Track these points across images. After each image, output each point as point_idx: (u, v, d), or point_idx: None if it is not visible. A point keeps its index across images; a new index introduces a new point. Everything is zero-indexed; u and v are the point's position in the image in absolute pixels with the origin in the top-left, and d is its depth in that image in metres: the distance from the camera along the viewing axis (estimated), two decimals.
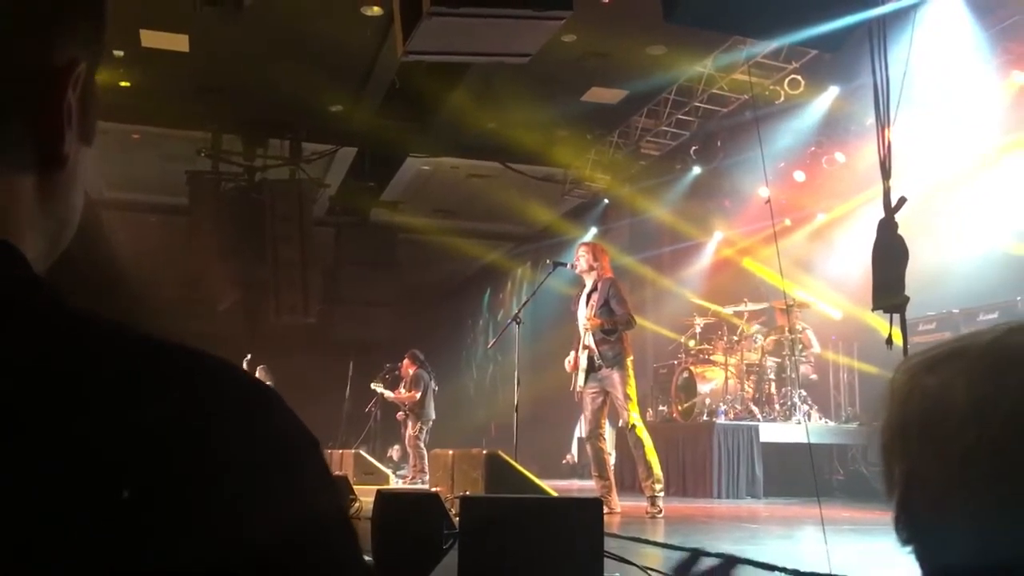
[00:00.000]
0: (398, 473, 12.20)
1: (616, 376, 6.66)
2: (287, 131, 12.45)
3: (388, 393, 12.28)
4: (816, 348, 10.27)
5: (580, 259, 7.03)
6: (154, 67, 10.33)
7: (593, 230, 14.45)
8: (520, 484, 4.84)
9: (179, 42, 9.92)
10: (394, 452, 13.94)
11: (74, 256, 0.67)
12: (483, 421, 15.97)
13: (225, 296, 13.04)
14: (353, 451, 10.87)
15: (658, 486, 6.59)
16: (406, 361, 12.20)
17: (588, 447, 6.91)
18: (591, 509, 3.04)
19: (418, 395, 11.86)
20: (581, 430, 15.05)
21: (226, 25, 9.11)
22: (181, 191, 13.08)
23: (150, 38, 9.84)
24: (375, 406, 13.09)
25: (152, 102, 11.24)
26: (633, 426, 6.59)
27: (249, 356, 13.45)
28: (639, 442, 6.60)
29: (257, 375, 13.49)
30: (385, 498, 3.13)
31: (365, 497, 5.58)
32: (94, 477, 0.45)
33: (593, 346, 6.70)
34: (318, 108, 11.47)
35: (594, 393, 6.79)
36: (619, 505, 6.79)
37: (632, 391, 6.68)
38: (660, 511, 6.54)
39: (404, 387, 12.04)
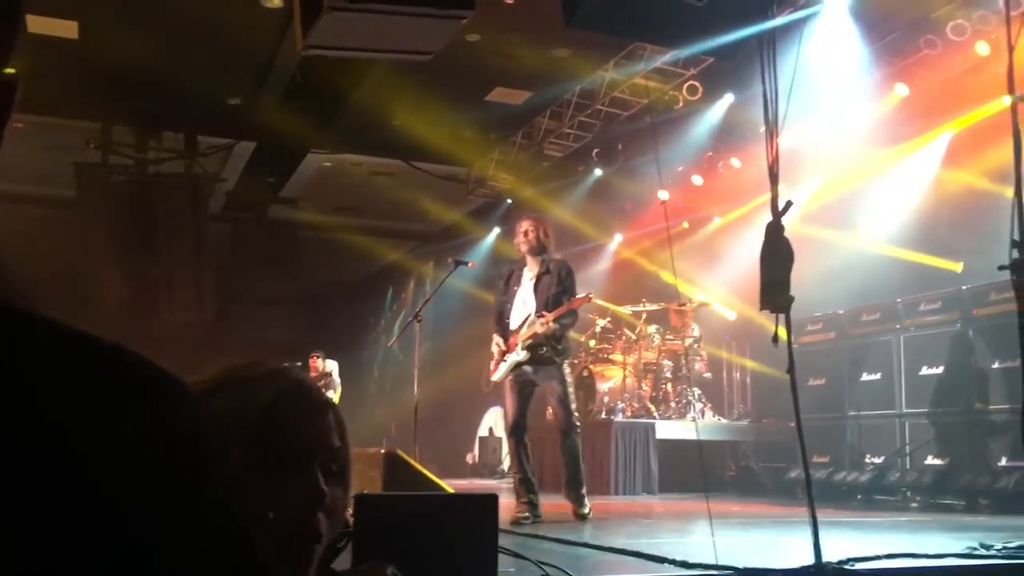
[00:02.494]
0: None
1: (561, 372, 6.04)
2: (182, 123, 12.09)
3: None
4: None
5: (527, 234, 6.18)
6: (41, 54, 9.89)
7: (496, 230, 14.51)
8: (418, 483, 4.83)
9: (68, 28, 9.53)
10: None
11: None
12: (384, 421, 15.85)
13: (114, 293, 12.58)
14: None
15: (583, 491, 6.09)
16: (312, 361, 12.02)
17: (509, 442, 6.21)
18: (485, 505, 3.05)
19: (333, 393, 11.73)
20: (485, 429, 15.12)
21: (118, 12, 8.81)
22: (68, 183, 12.57)
23: (37, 23, 9.42)
24: None
25: (38, 90, 10.74)
26: (574, 427, 6.03)
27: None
28: (575, 447, 6.03)
29: None
30: None
31: None
32: None
33: (543, 335, 5.97)
34: (215, 100, 11.18)
35: (522, 383, 6.12)
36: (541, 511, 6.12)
37: (572, 389, 6.14)
38: (590, 511, 6.06)
39: None
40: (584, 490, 6.08)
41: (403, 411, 13.47)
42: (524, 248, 6.22)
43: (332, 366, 12.16)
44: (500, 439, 14.66)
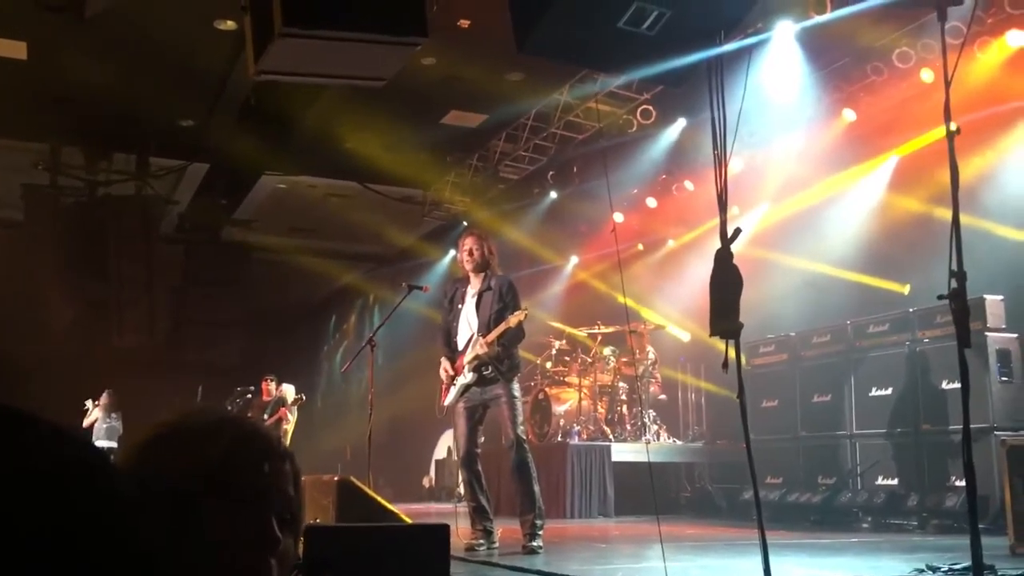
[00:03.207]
0: None
1: (508, 389, 5.90)
2: (133, 145, 11.92)
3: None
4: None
5: (472, 252, 6.07)
6: None
7: (451, 252, 14.49)
8: (372, 511, 4.78)
9: (16, 49, 9.38)
10: None
11: None
12: (338, 445, 15.69)
13: (63, 316, 12.35)
14: None
15: (539, 521, 5.86)
16: (265, 386, 11.85)
17: (462, 471, 6.11)
18: (437, 536, 3.03)
19: (292, 415, 11.57)
20: (441, 452, 15.03)
21: (69, 33, 8.68)
22: (15, 205, 12.33)
23: None
24: None
25: None
26: (521, 445, 5.88)
27: (110, 390, 12.73)
28: (525, 465, 5.87)
29: (102, 399, 12.85)
30: None
31: None
32: None
33: (484, 355, 5.87)
34: (167, 122, 11.06)
35: (471, 407, 6.02)
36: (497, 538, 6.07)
37: (521, 408, 6.01)
38: (541, 547, 5.78)
39: (267, 414, 11.69)
40: (538, 518, 5.88)
41: (358, 435, 13.33)
42: (468, 265, 6.13)
43: (288, 390, 12.01)
44: (456, 461, 14.58)
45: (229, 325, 15.01)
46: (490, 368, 5.93)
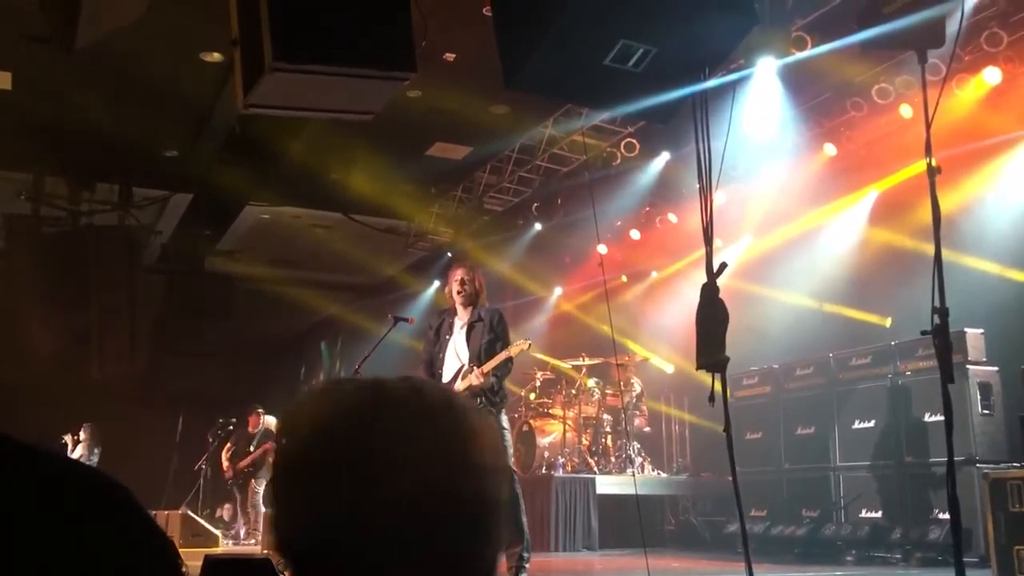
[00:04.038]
0: (228, 534, 11.69)
1: (498, 421, 5.85)
2: (117, 175, 11.90)
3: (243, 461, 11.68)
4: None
5: (463, 283, 6.09)
6: None
7: (436, 283, 14.50)
8: None
9: (2, 79, 9.38)
10: (225, 512, 13.36)
11: None
12: None
13: (44, 346, 12.23)
14: (180, 512, 10.34)
15: (526, 554, 5.76)
16: (252, 418, 11.76)
17: None
18: None
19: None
20: None
21: (54, 63, 8.69)
22: None
23: None
24: (205, 463, 12.53)
25: None
26: (511, 476, 5.64)
27: (89, 424, 12.65)
28: (513, 497, 5.74)
29: (82, 433, 12.74)
30: (213, 564, 3.01)
31: (192, 561, 5.32)
32: None
33: (477, 385, 5.85)
34: (151, 152, 11.05)
35: None
36: None
37: (510, 440, 5.94)
38: None
39: (253, 446, 11.60)
40: (525, 551, 5.80)
41: None
42: (460, 298, 6.11)
43: (271, 422, 11.94)
44: None
45: (211, 355, 14.91)
46: (482, 399, 5.87)
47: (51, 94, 9.49)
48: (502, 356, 5.90)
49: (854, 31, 7.29)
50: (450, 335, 6.15)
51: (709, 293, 3.71)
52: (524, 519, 5.94)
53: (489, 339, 5.98)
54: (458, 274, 6.18)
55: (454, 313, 6.21)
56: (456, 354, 6.09)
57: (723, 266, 3.81)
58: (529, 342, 6.11)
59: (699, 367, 3.69)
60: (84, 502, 0.59)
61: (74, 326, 12.22)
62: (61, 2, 4.24)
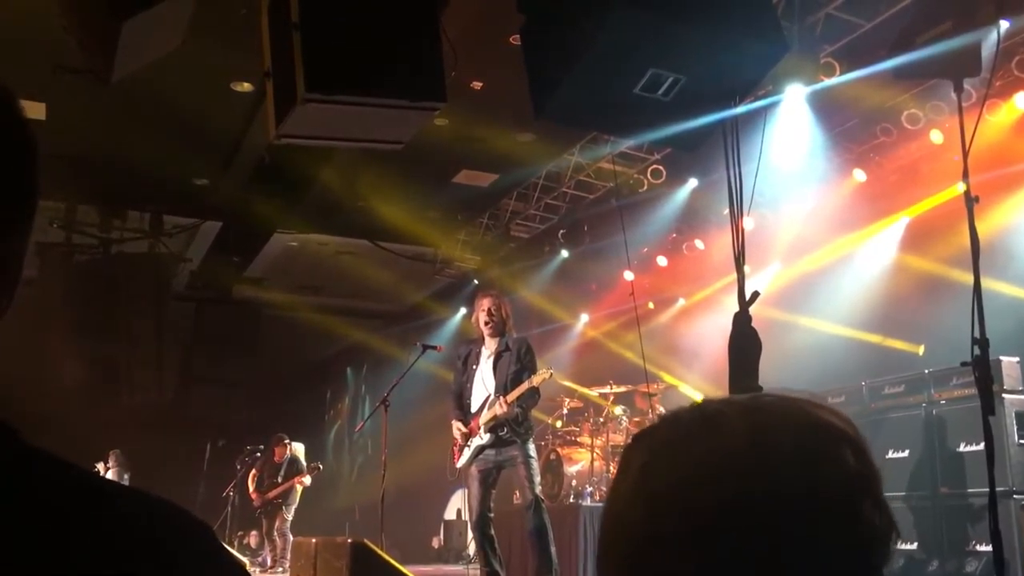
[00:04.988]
0: (255, 561, 11.67)
1: (524, 450, 5.86)
2: (147, 203, 12.06)
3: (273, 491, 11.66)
4: None
5: (490, 313, 6.09)
6: None
7: (463, 310, 14.51)
8: (386, 574, 4.71)
9: (36, 110, 9.54)
10: (251, 539, 13.36)
11: None
12: (347, 505, 15.54)
13: (73, 374, 12.35)
14: None
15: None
16: (279, 448, 11.78)
17: (475, 535, 6.00)
18: None
19: (307, 479, 11.48)
20: (451, 512, 14.86)
21: (87, 93, 8.84)
22: (29, 263, 12.34)
23: None
24: (233, 491, 12.56)
25: None
26: (540, 505, 5.82)
27: (117, 451, 12.76)
28: (543, 526, 5.80)
29: (111, 460, 12.84)
30: None
31: None
32: None
33: (502, 415, 5.85)
34: (182, 181, 11.20)
35: (485, 471, 5.96)
36: None
37: (538, 468, 5.96)
38: None
39: (281, 475, 11.60)
40: (553, 567, 5.80)
41: (367, 495, 13.25)
42: (488, 328, 6.10)
43: (298, 449, 11.96)
44: (466, 523, 14.41)
45: (238, 383, 15.00)
46: (507, 429, 5.89)
47: (84, 124, 9.64)
48: (524, 386, 5.88)
49: (883, 58, 7.28)
50: (477, 365, 6.17)
51: (741, 322, 3.68)
52: (553, 549, 5.93)
53: (516, 369, 5.98)
54: (485, 304, 6.19)
55: (481, 343, 6.21)
56: (483, 384, 6.08)
57: (755, 295, 3.78)
58: (551, 372, 6.09)
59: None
60: (178, 540, 0.65)
61: (103, 354, 12.34)
62: (99, 35, 4.30)
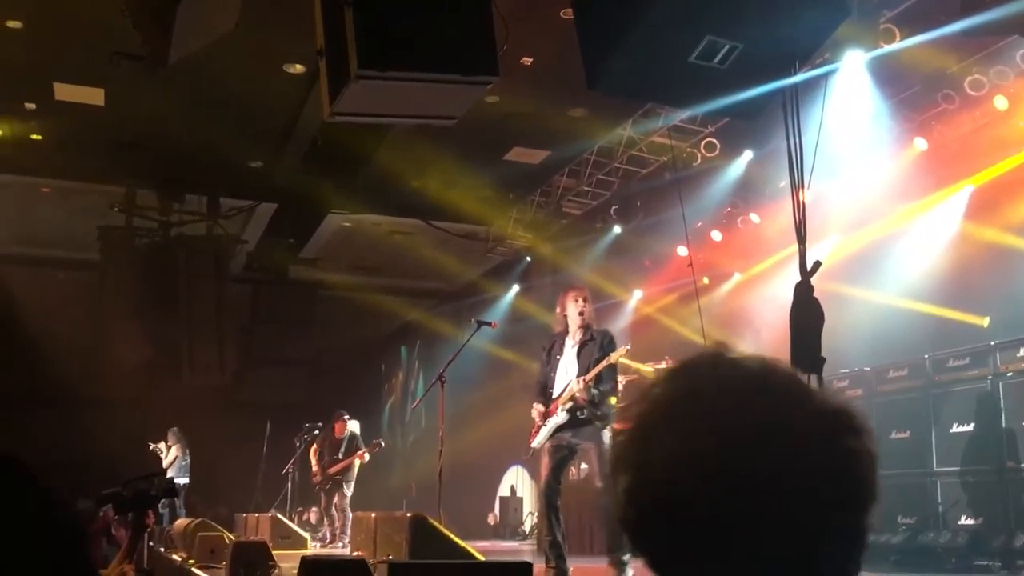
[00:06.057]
0: (316, 536, 11.88)
1: (600, 441, 6.00)
2: (204, 186, 12.25)
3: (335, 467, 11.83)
4: None
5: (582, 303, 6.26)
6: (68, 120, 10.10)
7: (515, 288, 14.52)
8: (446, 548, 4.75)
9: (94, 96, 9.73)
10: (312, 515, 13.58)
11: None
12: (403, 482, 15.71)
13: (136, 355, 12.64)
14: (270, 515, 10.54)
15: (627, 557, 5.81)
16: (339, 424, 11.93)
17: (542, 506, 6.16)
18: (519, 573, 3.01)
19: (367, 456, 11.64)
20: (505, 489, 14.95)
21: (143, 78, 8.99)
22: (91, 246, 12.72)
23: (64, 91, 9.63)
24: (293, 467, 12.77)
25: (64, 156, 10.96)
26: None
27: (176, 428, 13.07)
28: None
29: (169, 438, 13.13)
30: (310, 565, 3.04)
31: (285, 563, 5.41)
32: None
33: (580, 397, 6.01)
34: (237, 163, 11.34)
35: (560, 447, 6.13)
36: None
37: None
38: None
39: (342, 451, 11.77)
40: (626, 555, 5.85)
41: (423, 472, 13.36)
42: (579, 319, 6.23)
43: (354, 426, 12.11)
44: (521, 499, 14.49)
45: (295, 363, 15.22)
46: (584, 411, 6.02)
47: (141, 109, 9.81)
48: (603, 364, 6.02)
49: (945, 22, 7.06)
50: (561, 354, 6.30)
51: (803, 292, 3.61)
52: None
53: (599, 356, 6.11)
54: (575, 298, 6.33)
55: (565, 334, 6.36)
56: (566, 371, 6.22)
57: (817, 264, 3.71)
58: (628, 348, 6.24)
59: (794, 368, 3.59)
60: None
61: (165, 336, 12.60)
62: (155, 17, 4.36)
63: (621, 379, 10.81)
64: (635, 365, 10.92)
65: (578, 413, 6.04)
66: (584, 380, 5.98)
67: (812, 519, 0.86)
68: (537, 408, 6.28)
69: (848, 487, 0.91)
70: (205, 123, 9.93)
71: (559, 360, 6.27)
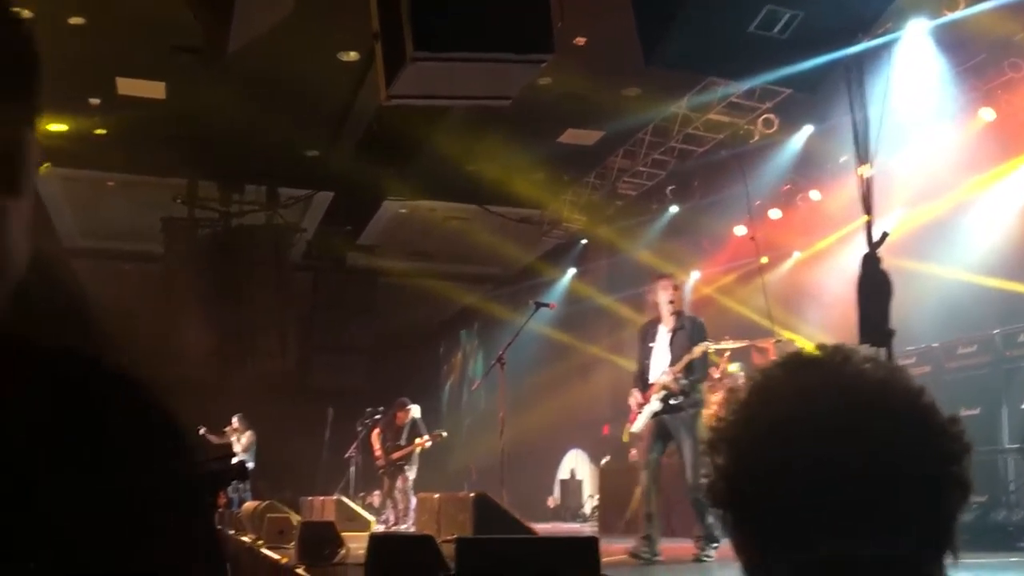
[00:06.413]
0: (380, 519, 12.03)
1: (694, 432, 6.27)
2: (264, 176, 12.44)
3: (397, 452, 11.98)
4: None
5: (671, 292, 6.53)
6: (130, 114, 10.32)
7: (571, 271, 14.49)
8: (509, 527, 4.78)
9: (156, 89, 9.92)
10: (374, 498, 13.76)
11: (36, 305, 0.74)
12: (463, 465, 15.82)
13: (201, 343, 12.91)
14: (335, 498, 10.71)
15: (714, 534, 6.13)
16: (401, 412, 12.05)
17: (644, 478, 6.46)
18: (586, 548, 3.00)
19: (428, 443, 11.75)
20: (565, 472, 14.97)
21: (203, 72, 9.14)
22: (155, 238, 13.01)
23: (126, 85, 9.84)
24: (355, 452, 12.95)
25: (128, 149, 11.21)
26: (698, 482, 6.21)
27: (240, 414, 13.34)
28: (699, 502, 6.23)
29: (234, 423, 13.39)
30: (379, 541, 3.09)
31: (351, 544, 5.49)
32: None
33: (672, 387, 6.29)
34: (295, 153, 11.48)
35: (657, 429, 6.41)
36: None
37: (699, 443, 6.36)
38: (711, 556, 6.15)
39: (404, 437, 11.89)
40: (711, 530, 6.11)
41: (483, 454, 13.46)
42: (669, 307, 6.47)
43: (415, 412, 12.21)
44: (580, 482, 14.49)
45: (355, 349, 15.41)
46: (675, 399, 6.31)
47: (200, 101, 9.97)
48: (686, 359, 6.28)
49: None
50: (655, 342, 6.56)
51: (871, 264, 3.54)
52: (711, 519, 6.22)
53: (689, 345, 6.35)
54: (667, 287, 6.57)
55: (658, 322, 6.59)
56: (660, 359, 6.48)
57: (884, 235, 3.63)
58: (707, 344, 6.48)
59: (862, 342, 3.53)
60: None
61: (228, 324, 12.85)
62: (214, 6, 4.42)
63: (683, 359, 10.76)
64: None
65: (671, 401, 6.31)
66: (672, 372, 6.27)
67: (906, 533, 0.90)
68: (634, 395, 6.56)
69: (943, 517, 0.93)
70: (262, 114, 10.07)
71: (653, 348, 6.53)
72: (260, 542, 6.78)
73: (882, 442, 0.88)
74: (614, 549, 6.57)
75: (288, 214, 13.09)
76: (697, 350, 6.30)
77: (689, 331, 6.40)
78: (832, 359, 0.94)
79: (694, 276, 12.75)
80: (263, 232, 12.79)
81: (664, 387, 6.30)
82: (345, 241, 14.16)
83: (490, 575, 2.70)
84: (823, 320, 9.83)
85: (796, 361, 0.96)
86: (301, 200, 12.96)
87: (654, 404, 6.36)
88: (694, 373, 6.32)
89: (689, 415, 6.27)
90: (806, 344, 10.52)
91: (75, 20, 8.48)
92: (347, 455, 12.94)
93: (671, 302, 6.45)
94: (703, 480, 6.04)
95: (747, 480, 0.90)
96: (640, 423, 6.49)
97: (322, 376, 15.34)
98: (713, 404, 10.17)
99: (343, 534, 5.60)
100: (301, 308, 14.57)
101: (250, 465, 12.78)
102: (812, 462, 0.87)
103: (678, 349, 6.36)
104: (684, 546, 6.44)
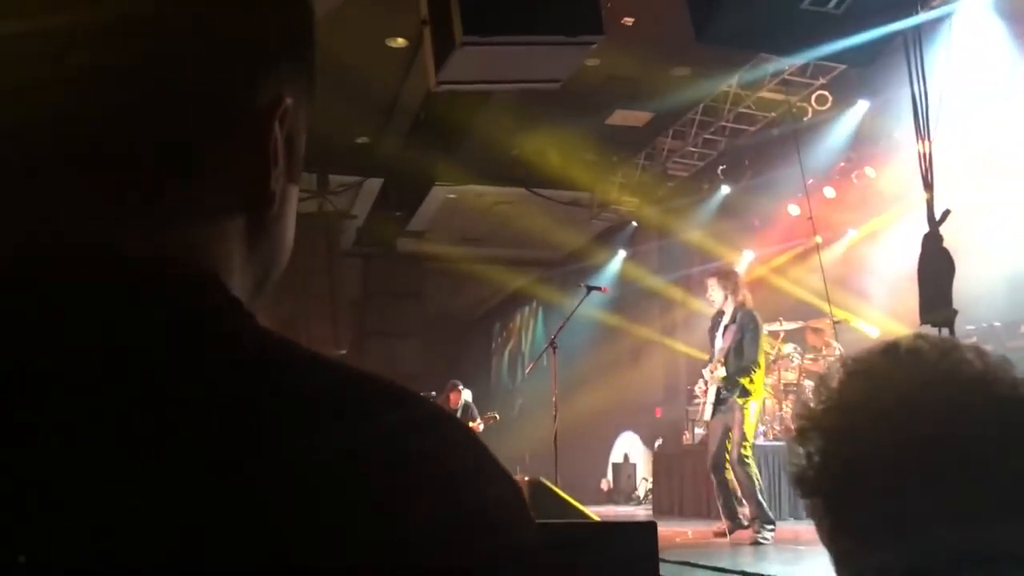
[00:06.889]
0: None
1: (738, 410, 6.69)
2: (314, 164, 12.53)
3: None
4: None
5: (727, 284, 7.00)
6: None
7: (622, 253, 14.41)
8: (565, 511, 4.78)
9: None
10: None
11: None
12: (516, 449, 15.87)
13: None
14: None
15: (767, 515, 6.65)
16: (453, 394, 12.14)
17: (712, 475, 6.87)
18: (645, 533, 2.99)
19: (481, 426, 11.84)
20: (618, 455, 14.95)
21: None
22: None
23: None
24: None
25: None
26: (742, 461, 6.68)
27: None
28: (746, 479, 6.68)
29: None
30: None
31: None
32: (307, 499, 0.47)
33: (718, 382, 6.79)
34: (344, 140, 11.55)
35: (718, 421, 6.84)
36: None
37: (749, 429, 6.74)
38: (768, 539, 6.60)
39: None
40: (763, 515, 6.60)
41: (535, 439, 13.48)
42: (723, 300, 6.91)
43: (467, 395, 12.28)
44: (634, 465, 14.45)
45: (407, 335, 15.51)
46: (725, 390, 6.75)
47: None
48: (720, 355, 6.80)
49: None
50: (717, 332, 6.98)
51: (932, 243, 3.46)
52: (760, 496, 6.71)
53: (739, 338, 6.75)
54: (722, 280, 7.01)
55: (722, 313, 7.00)
56: (717, 348, 6.93)
57: (946, 213, 3.54)
58: (713, 373, 6.90)
59: (923, 322, 3.45)
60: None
61: (281, 312, 13.01)
62: None
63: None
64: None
65: (720, 393, 6.76)
66: (711, 368, 6.77)
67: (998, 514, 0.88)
68: (701, 385, 7.09)
69: None
70: (313, 100, 10.12)
71: (716, 337, 6.92)
72: None
73: (993, 430, 0.87)
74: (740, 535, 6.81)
75: (338, 201, 13.19)
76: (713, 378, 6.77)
77: (740, 324, 6.74)
78: (936, 348, 0.93)
79: (747, 257, 12.60)
80: (314, 219, 12.91)
81: (713, 379, 6.79)
82: (395, 227, 14.23)
83: (547, 559, 2.67)
84: (879, 300, 9.65)
85: (899, 349, 0.95)
86: (351, 187, 13.05)
87: (710, 395, 6.81)
88: (741, 360, 6.66)
89: (735, 403, 6.66)
90: (867, 324, 10.35)
91: None
92: None
93: (725, 296, 6.84)
94: (744, 456, 6.46)
95: (849, 467, 0.90)
96: (708, 412, 6.92)
97: (375, 361, 15.46)
98: (768, 386, 10.08)
99: None
100: (353, 294, 14.71)
101: None
102: (927, 449, 0.86)
103: (728, 341, 6.74)
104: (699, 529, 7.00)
